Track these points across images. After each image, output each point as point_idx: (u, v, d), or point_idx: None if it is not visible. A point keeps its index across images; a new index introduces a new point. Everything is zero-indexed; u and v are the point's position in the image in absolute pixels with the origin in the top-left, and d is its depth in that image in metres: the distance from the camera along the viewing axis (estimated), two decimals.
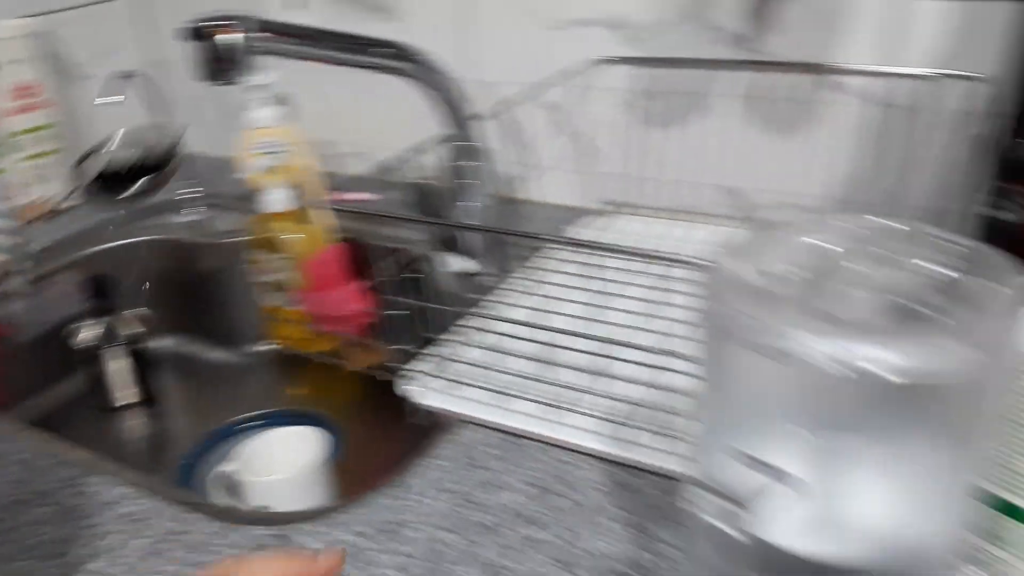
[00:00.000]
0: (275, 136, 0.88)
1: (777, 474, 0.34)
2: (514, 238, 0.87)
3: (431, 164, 0.87)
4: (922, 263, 0.36)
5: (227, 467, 0.77)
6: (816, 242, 0.38)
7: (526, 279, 0.82)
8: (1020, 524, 0.41)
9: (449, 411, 0.66)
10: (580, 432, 0.62)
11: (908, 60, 0.79)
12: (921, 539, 0.37)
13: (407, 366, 0.70)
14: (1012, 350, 0.33)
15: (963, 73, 0.75)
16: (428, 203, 0.88)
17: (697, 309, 0.37)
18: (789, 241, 0.38)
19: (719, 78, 0.89)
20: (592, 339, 0.64)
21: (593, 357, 0.65)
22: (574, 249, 0.86)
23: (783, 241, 0.38)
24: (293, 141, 0.88)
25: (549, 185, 1.01)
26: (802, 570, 0.36)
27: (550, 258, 0.86)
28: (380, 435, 0.88)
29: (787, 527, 0.35)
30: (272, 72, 0.85)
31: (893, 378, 0.31)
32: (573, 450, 0.62)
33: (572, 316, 0.71)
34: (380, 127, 1.08)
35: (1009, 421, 0.41)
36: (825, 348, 0.31)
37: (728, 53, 0.87)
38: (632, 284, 0.76)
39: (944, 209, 0.75)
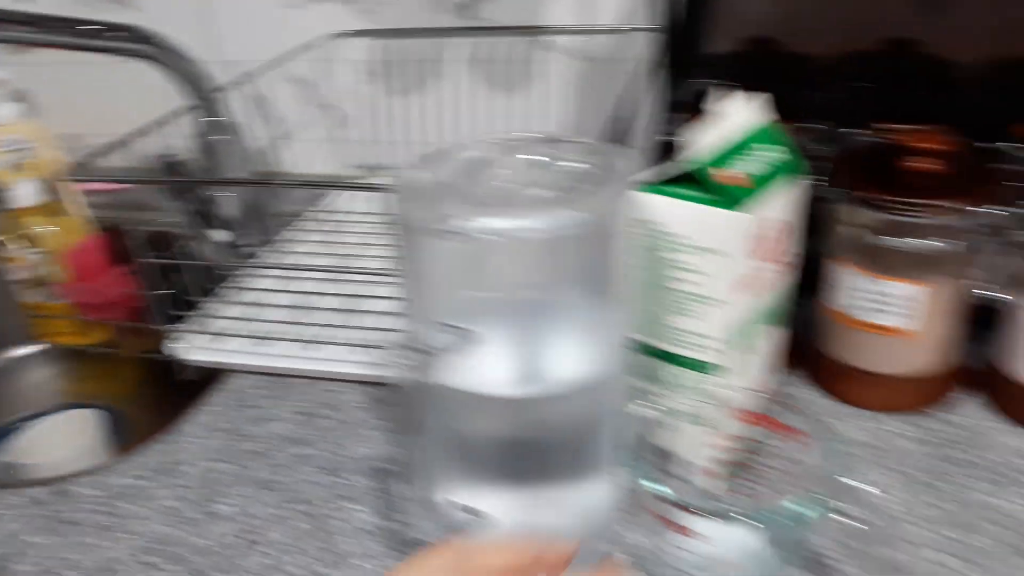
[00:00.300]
0: (15, 132, 0.88)
1: (461, 333, 0.43)
2: (271, 211, 0.92)
3: (181, 145, 0.90)
4: (564, 163, 0.46)
5: (3, 457, 0.78)
6: (482, 154, 0.47)
7: (285, 241, 0.88)
8: (669, 365, 0.53)
9: (216, 362, 0.71)
10: (340, 363, 0.69)
11: (603, 18, 0.91)
12: (589, 378, 0.47)
13: (174, 329, 0.74)
14: (621, 214, 0.44)
15: (642, 26, 0.88)
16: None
17: (391, 216, 0.45)
18: (459, 155, 0.47)
19: (448, 45, 0.98)
20: (344, 280, 0.71)
21: (346, 298, 0.72)
22: (329, 211, 0.93)
23: (455, 155, 0.47)
24: (36, 135, 0.88)
25: (303, 156, 1.07)
26: (480, 407, 0.45)
27: (308, 220, 0.92)
28: (160, 407, 0.90)
29: (471, 373, 0.44)
30: (5, 68, 0.85)
31: (531, 236, 0.40)
32: (335, 379, 0.69)
33: (327, 267, 0.77)
34: (126, 115, 1.09)
35: (658, 287, 0.52)
36: (481, 224, 0.40)
37: (452, 21, 0.97)
38: (380, 234, 0.84)
39: (633, 138, 0.88)
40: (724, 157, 0.48)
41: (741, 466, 0.54)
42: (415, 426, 0.47)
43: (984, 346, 0.64)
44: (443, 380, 0.45)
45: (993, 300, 0.60)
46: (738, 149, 0.49)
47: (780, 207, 0.50)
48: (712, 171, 0.47)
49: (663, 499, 0.47)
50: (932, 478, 0.56)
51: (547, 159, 0.46)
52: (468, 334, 0.43)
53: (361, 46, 1.00)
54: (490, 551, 0.36)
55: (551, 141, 0.47)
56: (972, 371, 0.65)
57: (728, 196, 0.47)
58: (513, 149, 0.46)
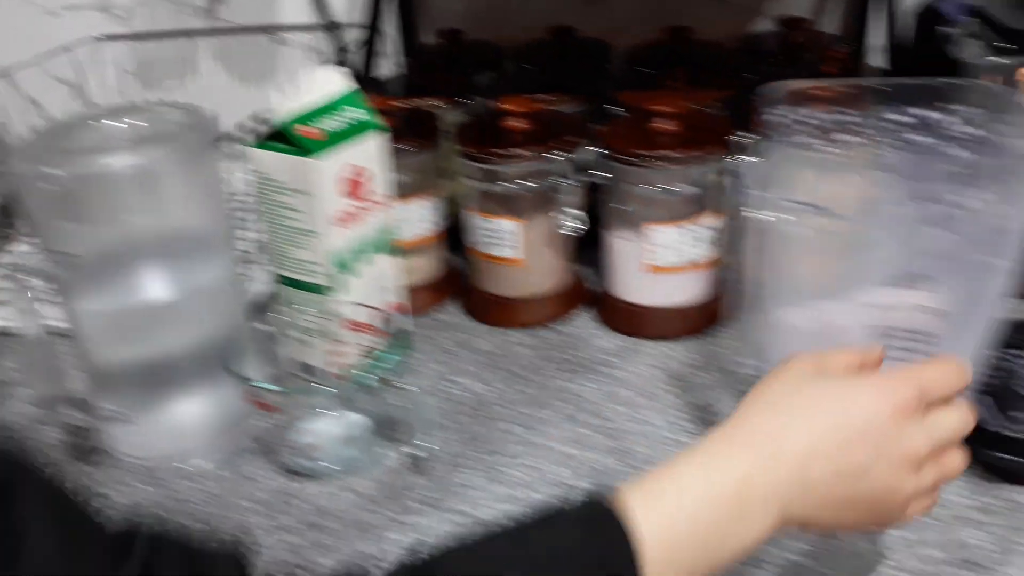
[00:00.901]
0: None
1: (69, 259, 0.54)
2: None
3: None
4: (145, 124, 0.58)
5: None
6: (77, 121, 0.58)
7: None
8: (293, 289, 0.65)
9: None
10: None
11: (333, 16, 1.04)
12: (205, 290, 0.59)
13: None
14: (195, 160, 0.56)
15: (355, 23, 1.00)
16: None
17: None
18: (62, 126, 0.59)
19: (202, 44, 1.09)
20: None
21: None
22: None
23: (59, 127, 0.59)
24: None
25: None
26: (115, 320, 0.57)
27: None
28: None
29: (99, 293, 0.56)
30: None
31: (100, 175, 0.52)
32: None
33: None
34: None
35: (276, 225, 0.64)
36: (64, 167, 0.52)
37: (200, 23, 1.08)
38: None
39: None
40: (308, 117, 0.61)
41: (363, 367, 0.67)
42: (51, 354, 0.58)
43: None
44: (75, 304, 0.56)
45: (592, 232, 0.74)
46: (323, 111, 0.62)
47: (359, 156, 0.63)
48: (297, 128, 0.60)
49: (270, 391, 0.59)
50: (529, 373, 0.70)
51: (131, 122, 0.58)
52: (75, 259, 0.54)
53: (123, 48, 1.10)
54: (839, 356, 0.45)
55: (136, 110, 0.59)
56: (591, 292, 0.79)
57: (308, 147, 0.59)
58: (104, 116, 0.58)
